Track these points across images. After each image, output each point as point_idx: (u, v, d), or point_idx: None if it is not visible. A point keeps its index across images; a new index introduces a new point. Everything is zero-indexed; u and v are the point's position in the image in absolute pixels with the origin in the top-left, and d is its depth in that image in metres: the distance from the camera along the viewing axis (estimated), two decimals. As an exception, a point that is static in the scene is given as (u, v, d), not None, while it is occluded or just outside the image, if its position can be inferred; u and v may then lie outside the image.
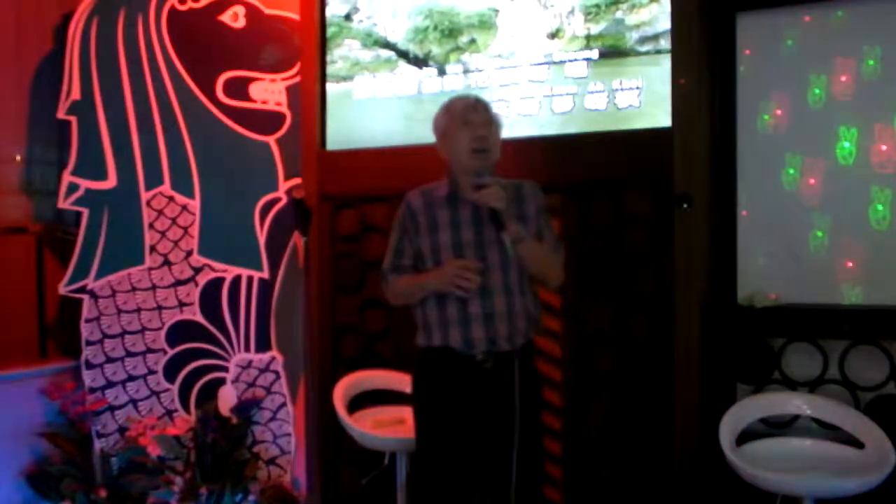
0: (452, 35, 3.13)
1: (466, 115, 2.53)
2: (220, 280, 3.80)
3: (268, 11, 3.74)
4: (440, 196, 2.58)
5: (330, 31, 3.37)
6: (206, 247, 3.82)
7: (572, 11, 3.03)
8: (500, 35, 3.11)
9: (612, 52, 3.02)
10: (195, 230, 3.84)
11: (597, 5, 3.01)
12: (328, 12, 3.41)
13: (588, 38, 3.03)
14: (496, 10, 3.11)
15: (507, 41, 3.11)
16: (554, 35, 3.05)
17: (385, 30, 3.29)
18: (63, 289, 3.98)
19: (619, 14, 3.00)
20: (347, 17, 3.34)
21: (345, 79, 3.55)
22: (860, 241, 2.96)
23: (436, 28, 3.14)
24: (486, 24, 3.10)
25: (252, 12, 3.76)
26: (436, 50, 3.19)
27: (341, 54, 3.37)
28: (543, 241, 2.57)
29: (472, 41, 3.11)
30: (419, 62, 3.26)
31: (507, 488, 2.49)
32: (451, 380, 2.52)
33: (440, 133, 2.60)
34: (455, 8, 3.16)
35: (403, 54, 3.26)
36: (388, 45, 3.28)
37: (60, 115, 4.01)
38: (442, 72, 3.33)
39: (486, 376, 2.49)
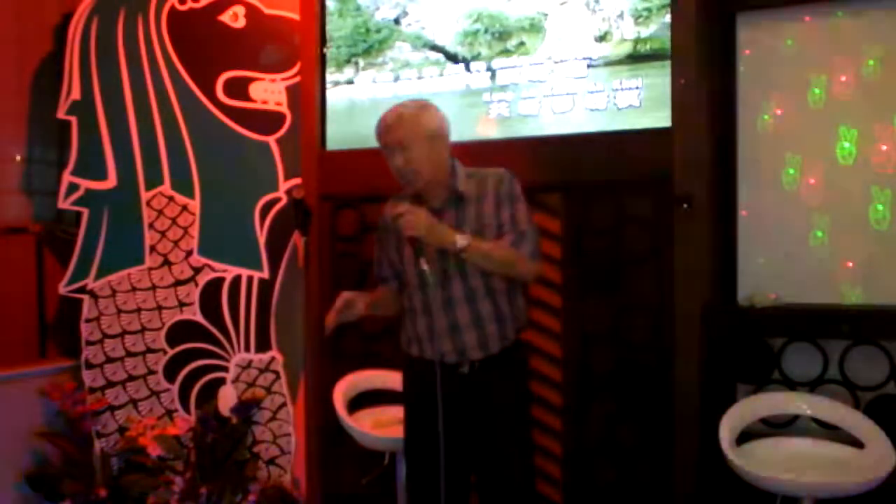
0: (502, 38, 3.15)
1: (383, 145, 2.51)
2: (220, 280, 3.80)
3: (268, 11, 3.74)
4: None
5: (381, 34, 3.44)
6: (206, 247, 3.82)
7: (621, 15, 3.04)
8: (549, 38, 3.14)
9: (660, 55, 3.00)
10: (195, 230, 3.84)
11: (648, 9, 3.00)
12: (379, 16, 3.46)
13: (636, 41, 3.02)
14: (545, 14, 3.14)
15: (555, 44, 3.13)
16: (602, 38, 3.07)
17: (434, 33, 3.33)
18: (63, 289, 3.98)
19: (668, 18, 2.98)
20: (396, 21, 3.40)
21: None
22: (860, 241, 2.96)
23: (486, 31, 3.16)
24: (535, 27, 3.12)
25: (252, 12, 3.76)
26: (485, 52, 3.22)
27: (392, 56, 3.42)
28: (504, 237, 2.47)
29: (521, 44, 3.12)
30: (467, 64, 3.31)
31: (490, 490, 2.52)
32: (431, 385, 2.51)
33: None
34: (504, 12, 3.20)
35: (452, 56, 3.30)
36: (435, 48, 3.32)
37: (60, 115, 4.01)
38: (460, 60, 3.34)
39: (463, 380, 2.49)
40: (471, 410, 2.50)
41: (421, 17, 3.39)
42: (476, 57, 3.27)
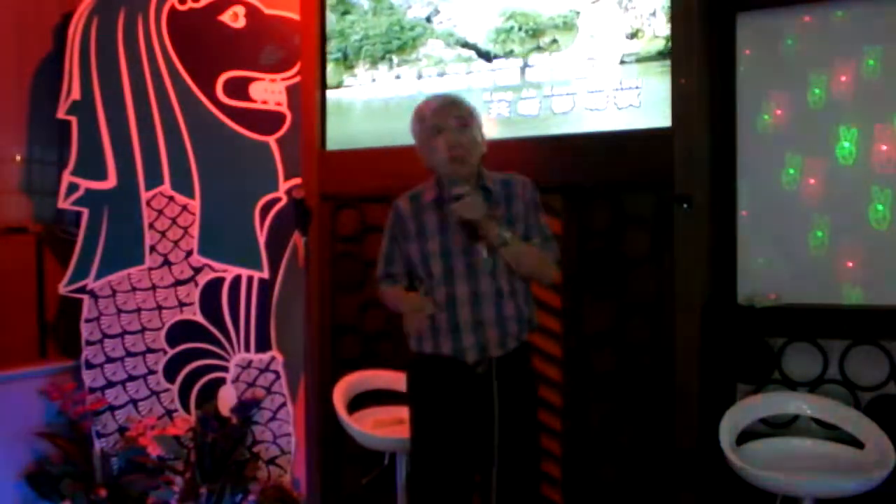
0: (535, 35, 3.17)
1: (438, 122, 2.48)
2: (220, 280, 3.80)
3: (268, 11, 3.74)
4: (428, 200, 2.55)
5: (415, 31, 3.47)
6: (206, 247, 3.82)
7: (654, 13, 3.05)
8: (581, 36, 3.14)
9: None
10: (195, 230, 3.84)
11: None
12: (410, 14, 3.48)
13: (668, 38, 3.01)
14: (577, 12, 3.15)
15: (587, 41, 3.13)
16: (633, 35, 3.07)
17: (465, 31, 3.38)
18: (63, 289, 3.98)
19: None
20: (428, 20, 3.43)
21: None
22: (860, 241, 2.96)
23: (520, 29, 3.19)
24: (568, 24, 3.14)
25: (252, 12, 3.76)
26: (518, 49, 3.24)
27: (426, 52, 3.45)
28: (531, 240, 2.52)
29: (554, 41, 3.14)
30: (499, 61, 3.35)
31: (501, 490, 2.49)
32: (444, 385, 2.51)
33: (416, 141, 2.57)
34: (536, 10, 3.22)
35: (484, 54, 3.32)
36: (467, 45, 3.34)
37: (60, 115, 4.01)
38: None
39: (478, 380, 2.48)
40: (483, 410, 2.47)
41: (452, 16, 3.43)
42: (509, 54, 3.28)
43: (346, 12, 3.61)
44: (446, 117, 2.49)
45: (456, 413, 2.50)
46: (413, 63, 3.51)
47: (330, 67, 3.61)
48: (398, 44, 3.52)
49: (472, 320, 2.46)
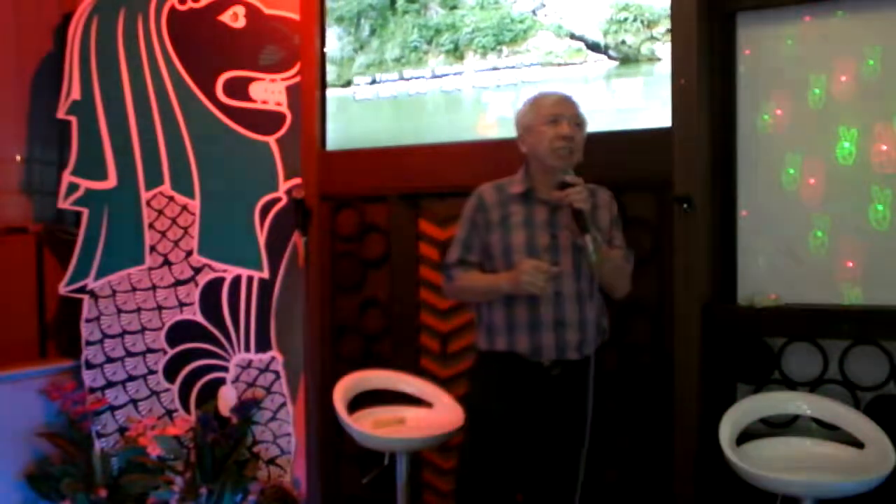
0: (649, 26, 3.17)
1: (554, 113, 2.47)
2: (220, 280, 3.80)
3: (268, 11, 3.74)
4: (515, 193, 2.51)
5: (525, 24, 3.47)
6: (206, 247, 3.83)
7: None
8: None
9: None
10: (195, 230, 3.84)
11: None
12: (515, 10, 3.49)
13: None
14: None
15: None
16: None
17: (571, 23, 3.38)
18: (63, 289, 3.98)
19: None
20: (534, 13, 3.44)
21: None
22: (860, 241, 2.96)
23: (635, 19, 3.19)
24: None
25: (252, 12, 3.77)
26: (630, 40, 3.23)
27: (534, 44, 3.46)
28: (614, 251, 2.51)
29: (668, 31, 3.12)
30: (608, 52, 3.32)
31: (572, 497, 2.42)
32: (515, 385, 2.45)
33: (523, 128, 2.54)
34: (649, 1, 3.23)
35: (592, 45, 3.33)
36: (574, 37, 3.36)
37: (60, 115, 4.02)
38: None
39: (553, 383, 2.43)
40: (556, 416, 2.43)
41: (557, 8, 3.43)
42: (621, 45, 3.27)
43: (454, 7, 3.62)
44: (565, 111, 2.49)
45: (526, 416, 2.43)
46: (522, 53, 3.51)
47: (440, 57, 3.63)
48: (510, 35, 3.53)
49: (554, 320, 2.42)
